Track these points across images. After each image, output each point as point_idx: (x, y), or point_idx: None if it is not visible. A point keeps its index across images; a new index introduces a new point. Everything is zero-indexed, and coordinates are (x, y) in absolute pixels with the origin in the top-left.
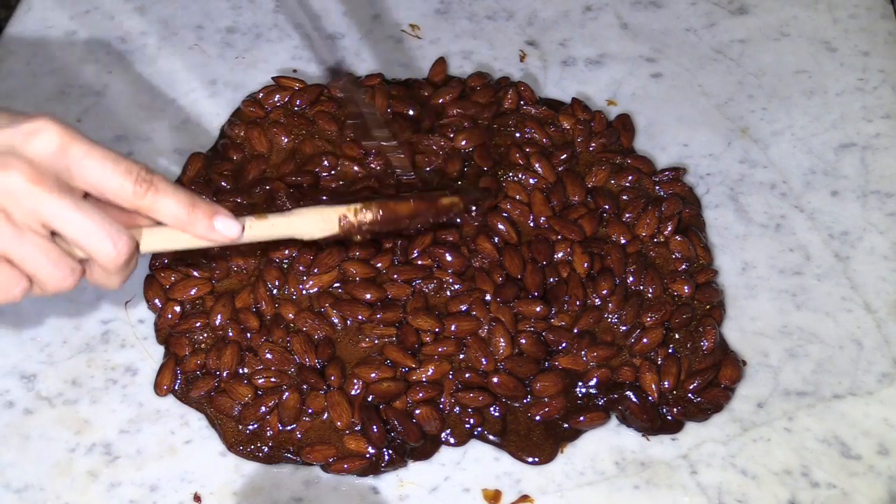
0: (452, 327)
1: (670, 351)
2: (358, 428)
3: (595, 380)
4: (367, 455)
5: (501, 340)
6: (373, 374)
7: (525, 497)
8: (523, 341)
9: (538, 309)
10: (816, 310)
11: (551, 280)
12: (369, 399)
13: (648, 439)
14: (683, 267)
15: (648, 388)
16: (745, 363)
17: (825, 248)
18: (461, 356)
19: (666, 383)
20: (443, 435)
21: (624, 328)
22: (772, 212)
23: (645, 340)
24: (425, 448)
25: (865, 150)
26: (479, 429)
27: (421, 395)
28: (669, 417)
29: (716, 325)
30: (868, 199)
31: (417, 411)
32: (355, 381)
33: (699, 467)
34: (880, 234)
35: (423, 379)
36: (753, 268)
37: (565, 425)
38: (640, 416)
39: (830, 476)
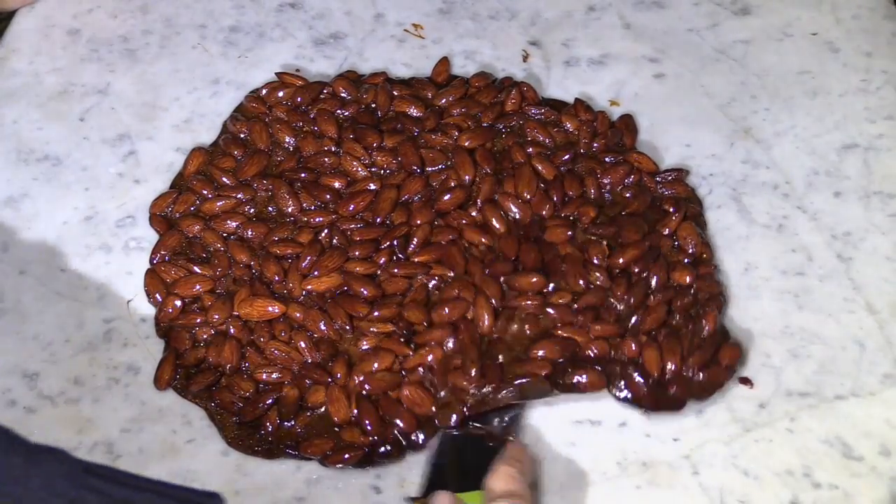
0: (445, 311)
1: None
2: (354, 418)
3: (594, 351)
4: (365, 446)
5: (485, 315)
6: (370, 367)
7: None
8: (523, 317)
9: (534, 280)
10: (819, 311)
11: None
12: (365, 391)
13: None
14: (685, 261)
15: (650, 364)
16: (745, 350)
17: (828, 249)
18: (451, 343)
19: (668, 362)
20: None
21: (626, 308)
22: (774, 212)
23: (648, 319)
24: (422, 437)
25: (868, 151)
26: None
27: (414, 381)
28: (670, 394)
29: (717, 310)
30: (871, 200)
31: (406, 392)
32: (356, 377)
33: (701, 468)
34: (883, 234)
35: (418, 367)
36: (756, 268)
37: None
38: (640, 393)
39: (832, 477)
